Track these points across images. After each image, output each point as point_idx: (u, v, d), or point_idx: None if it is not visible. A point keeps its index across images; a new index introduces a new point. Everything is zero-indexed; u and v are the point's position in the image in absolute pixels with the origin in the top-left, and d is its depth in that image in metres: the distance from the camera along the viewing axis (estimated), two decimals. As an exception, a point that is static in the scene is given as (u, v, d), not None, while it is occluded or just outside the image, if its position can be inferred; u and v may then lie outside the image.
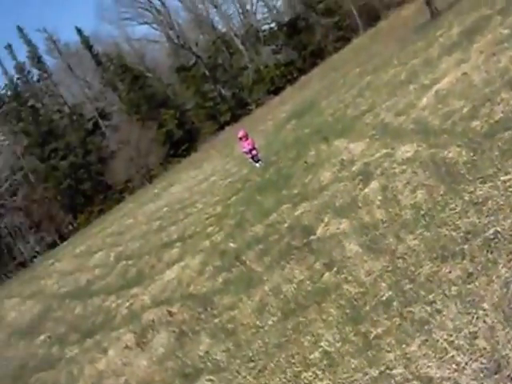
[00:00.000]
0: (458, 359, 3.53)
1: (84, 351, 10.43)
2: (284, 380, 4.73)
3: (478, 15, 13.88)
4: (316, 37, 58.54)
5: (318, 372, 4.46)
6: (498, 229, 4.51)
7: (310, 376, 4.50)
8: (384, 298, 4.73)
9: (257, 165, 17.39)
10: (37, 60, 61.18)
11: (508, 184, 5.04)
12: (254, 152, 17.60)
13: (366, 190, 7.16)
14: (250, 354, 5.53)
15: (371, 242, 5.76)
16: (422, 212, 5.56)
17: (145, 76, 60.28)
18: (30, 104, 59.48)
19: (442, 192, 5.72)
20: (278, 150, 17.73)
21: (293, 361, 4.88)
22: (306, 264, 6.58)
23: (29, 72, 61.84)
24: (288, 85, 51.68)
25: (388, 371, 3.86)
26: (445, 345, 3.70)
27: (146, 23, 61.12)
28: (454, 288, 4.23)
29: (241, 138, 17.85)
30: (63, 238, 50.95)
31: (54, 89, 61.68)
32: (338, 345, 4.60)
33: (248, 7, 64.61)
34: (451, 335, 3.76)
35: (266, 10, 65.30)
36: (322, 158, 11.34)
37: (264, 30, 63.10)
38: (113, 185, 54.20)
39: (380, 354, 4.09)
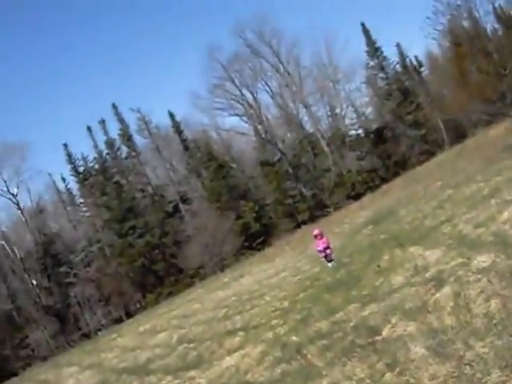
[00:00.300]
0: None
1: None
2: None
3: None
4: (401, 147, 59.17)
5: None
6: None
7: None
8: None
9: (329, 264, 17.32)
10: (127, 138, 64.03)
11: None
12: (327, 251, 17.59)
13: (438, 296, 7.05)
14: None
15: (438, 346, 5.62)
16: (495, 321, 5.43)
17: (229, 166, 62.09)
18: (115, 180, 61.86)
19: (517, 303, 5.57)
20: (351, 252, 17.67)
21: None
22: (368, 363, 6.45)
23: (118, 148, 64.53)
24: (369, 191, 51.94)
25: None
26: None
27: (236, 115, 63.44)
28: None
29: (316, 236, 17.93)
30: (129, 315, 51.41)
31: (140, 168, 64.12)
32: None
33: (337, 111, 66.35)
34: None
35: (354, 115, 66.90)
36: (396, 262, 11.24)
37: (351, 135, 64.34)
38: (185, 269, 54.83)
39: None
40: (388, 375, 5.78)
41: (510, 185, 12.30)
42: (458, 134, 52.26)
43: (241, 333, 13.98)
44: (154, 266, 57.01)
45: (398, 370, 5.73)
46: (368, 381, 6.01)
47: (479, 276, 6.75)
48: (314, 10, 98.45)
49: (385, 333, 7.17)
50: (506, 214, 9.27)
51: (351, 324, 8.62)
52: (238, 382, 9.42)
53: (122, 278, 54.83)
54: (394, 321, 7.29)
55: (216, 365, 11.78)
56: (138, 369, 16.92)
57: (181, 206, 60.79)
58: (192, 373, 12.33)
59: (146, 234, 57.68)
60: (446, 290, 7.05)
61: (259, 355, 10.35)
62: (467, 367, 4.91)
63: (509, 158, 17.72)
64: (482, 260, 7.27)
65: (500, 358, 4.72)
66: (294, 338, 10.04)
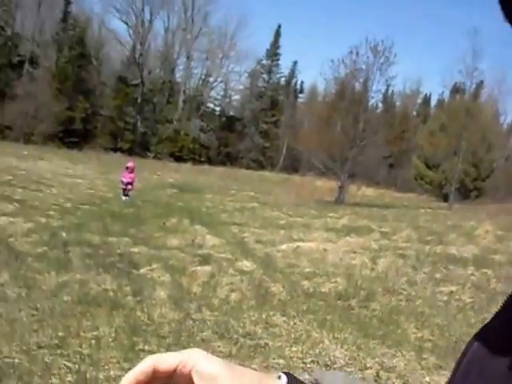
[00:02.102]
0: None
1: None
2: None
3: None
4: (241, 144, 62.43)
5: None
6: None
7: None
8: None
9: (123, 198, 18.39)
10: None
11: None
12: (129, 186, 18.67)
13: (198, 268, 8.50)
14: None
15: (175, 293, 7.00)
16: (229, 305, 6.91)
17: (90, 60, 60.60)
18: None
19: None
20: (148, 201, 18.91)
21: None
22: (117, 282, 7.64)
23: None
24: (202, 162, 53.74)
25: None
26: None
27: (126, 23, 63.03)
28: None
29: (127, 168, 18.84)
30: None
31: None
32: None
33: (211, 79, 68.19)
34: None
35: (222, 93, 69.07)
36: (179, 229, 12.71)
37: (207, 107, 66.32)
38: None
39: None
40: (130, 294, 7.03)
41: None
42: (292, 166, 56.16)
43: (16, 204, 14.39)
44: None
45: (139, 298, 7.01)
46: (110, 286, 7.23)
47: (237, 273, 8.35)
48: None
49: (142, 271, 8.45)
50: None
51: (118, 251, 9.78)
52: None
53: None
54: (154, 266, 8.60)
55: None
56: None
57: (27, 64, 57.46)
58: None
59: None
60: (205, 268, 8.55)
61: (26, 229, 11.06)
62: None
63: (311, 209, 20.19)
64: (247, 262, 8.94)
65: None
66: (64, 234, 10.93)
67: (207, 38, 66.62)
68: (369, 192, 30.30)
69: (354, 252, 10.79)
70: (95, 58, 60.34)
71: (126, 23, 63.30)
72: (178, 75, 67.62)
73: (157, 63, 65.50)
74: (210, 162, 55.99)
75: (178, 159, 54.26)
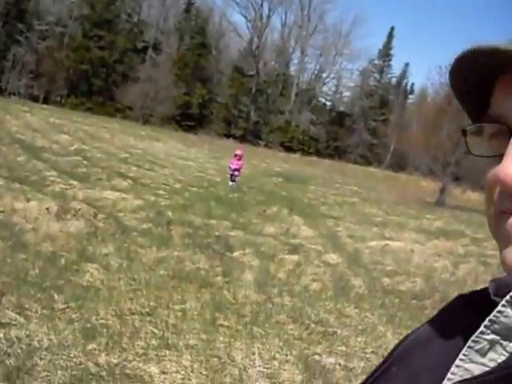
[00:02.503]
0: None
1: None
2: None
3: None
4: (341, 137, 62.53)
5: None
6: None
7: None
8: None
9: (230, 183, 19.02)
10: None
11: None
12: (236, 173, 19.27)
13: (286, 257, 8.88)
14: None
15: (261, 278, 7.42)
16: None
17: (210, 50, 62.58)
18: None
19: None
20: (253, 187, 19.48)
21: None
22: (210, 262, 8.18)
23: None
24: (310, 153, 54.14)
25: None
26: None
27: (245, 17, 65.41)
28: None
29: (235, 155, 19.47)
30: (46, 101, 51.68)
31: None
32: None
33: (324, 75, 68.78)
34: None
35: (333, 88, 69.29)
36: (278, 218, 13.14)
37: (319, 101, 66.77)
38: (120, 100, 55.24)
39: None
40: (220, 274, 7.55)
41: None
42: (399, 164, 55.12)
43: (129, 181, 15.44)
44: (94, 80, 56.77)
45: (228, 279, 7.49)
46: (203, 266, 7.78)
47: (322, 265, 8.67)
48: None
49: (235, 254, 8.95)
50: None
51: (216, 233, 10.34)
52: (109, 213, 10.91)
53: (61, 68, 54.33)
54: (247, 251, 9.08)
55: (97, 190, 13.24)
56: (30, 148, 18.08)
57: (150, 50, 60.41)
58: (73, 182, 13.69)
59: (106, 50, 57.10)
60: (293, 257, 8.94)
61: (135, 205, 11.92)
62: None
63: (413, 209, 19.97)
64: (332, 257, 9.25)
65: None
66: (169, 213, 11.68)
67: (322, 35, 67.78)
68: (474, 196, 29.42)
69: (439, 255, 10.76)
70: (214, 48, 62.51)
71: (245, 17, 65.92)
72: (292, 69, 69.44)
73: (272, 56, 67.08)
74: (318, 154, 56.34)
75: (288, 149, 55.04)
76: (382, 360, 0.86)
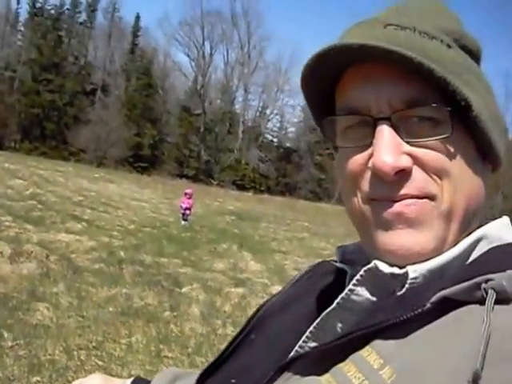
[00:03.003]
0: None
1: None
2: None
3: None
4: (300, 174, 63.62)
5: None
6: None
7: None
8: None
9: (182, 222, 19.25)
10: (92, 9, 63.44)
11: None
12: (187, 212, 19.58)
13: (233, 290, 9.23)
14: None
15: (208, 310, 7.74)
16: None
17: (156, 90, 63.18)
18: (60, 33, 61.20)
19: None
20: (205, 226, 19.81)
21: None
22: (158, 296, 8.47)
23: (79, 12, 63.60)
24: (256, 191, 54.78)
25: None
26: None
27: (188, 56, 66.65)
28: None
29: (186, 194, 19.82)
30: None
31: (86, 40, 63.50)
32: None
33: (267, 112, 71.36)
34: None
35: (278, 125, 70.75)
36: (226, 254, 13.51)
37: (265, 137, 68.11)
38: (71, 143, 55.02)
39: None
40: (168, 309, 7.84)
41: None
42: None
43: (84, 223, 15.55)
44: (46, 123, 56.57)
45: (175, 313, 7.80)
46: (152, 301, 8.06)
47: (267, 296, 9.04)
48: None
49: (183, 290, 9.26)
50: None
51: (167, 271, 10.64)
52: (62, 254, 11.06)
53: (13, 113, 54.05)
54: (194, 286, 9.41)
55: (51, 233, 13.35)
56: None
57: (98, 92, 60.73)
58: (28, 226, 13.74)
59: (56, 93, 57.15)
60: (238, 290, 9.32)
61: (88, 247, 12.11)
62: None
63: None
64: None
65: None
66: (122, 253, 11.90)
67: (263, 72, 69.76)
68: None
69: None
70: (161, 88, 63.39)
71: (189, 56, 67.15)
72: (238, 106, 70.56)
73: (217, 94, 68.48)
74: (269, 191, 57.11)
75: (241, 187, 55.65)
76: (240, 328, 0.95)
